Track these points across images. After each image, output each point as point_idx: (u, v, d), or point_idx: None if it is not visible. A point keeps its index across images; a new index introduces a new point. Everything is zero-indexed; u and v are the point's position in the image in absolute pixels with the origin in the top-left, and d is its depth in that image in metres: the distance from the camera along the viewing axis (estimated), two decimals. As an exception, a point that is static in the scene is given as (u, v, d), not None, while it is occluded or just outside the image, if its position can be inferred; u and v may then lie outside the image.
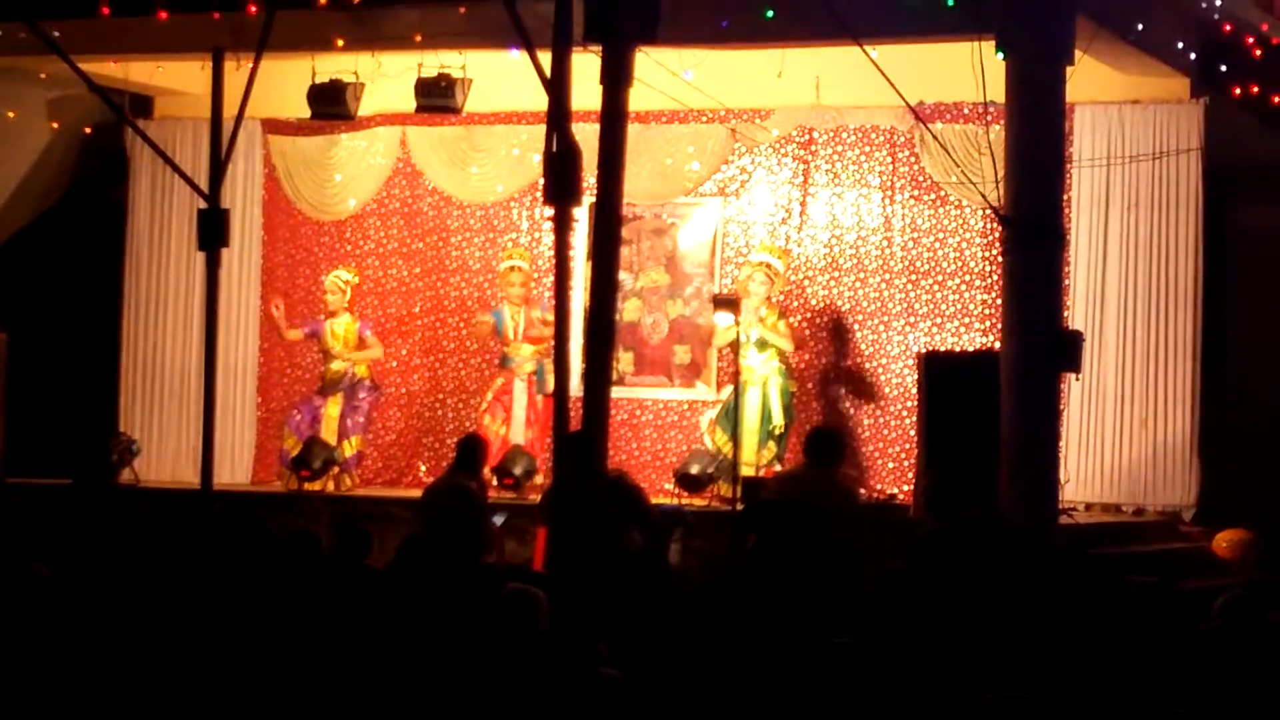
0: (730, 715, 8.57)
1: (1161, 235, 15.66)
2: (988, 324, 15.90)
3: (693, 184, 16.84)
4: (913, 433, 15.43)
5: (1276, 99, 15.50)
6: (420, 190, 17.67)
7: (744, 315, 15.09)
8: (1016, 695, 8.14)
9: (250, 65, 13.31)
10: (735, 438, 15.01)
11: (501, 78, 15.70)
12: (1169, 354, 15.65)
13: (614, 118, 10.73)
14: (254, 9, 15.04)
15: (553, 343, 11.88)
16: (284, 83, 16.10)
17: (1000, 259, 14.21)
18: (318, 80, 15.94)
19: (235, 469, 17.65)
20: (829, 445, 13.19)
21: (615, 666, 8.39)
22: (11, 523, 13.67)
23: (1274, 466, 15.57)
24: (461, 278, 17.54)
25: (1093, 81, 14.77)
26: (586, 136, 10.90)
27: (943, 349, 15.89)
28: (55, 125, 17.97)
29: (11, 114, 17.76)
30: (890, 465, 16.27)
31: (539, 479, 15.63)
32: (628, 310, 16.86)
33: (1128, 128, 15.71)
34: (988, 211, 14.49)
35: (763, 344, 15.68)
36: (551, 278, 12.22)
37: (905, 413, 16.06)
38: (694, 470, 15.54)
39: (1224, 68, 15.45)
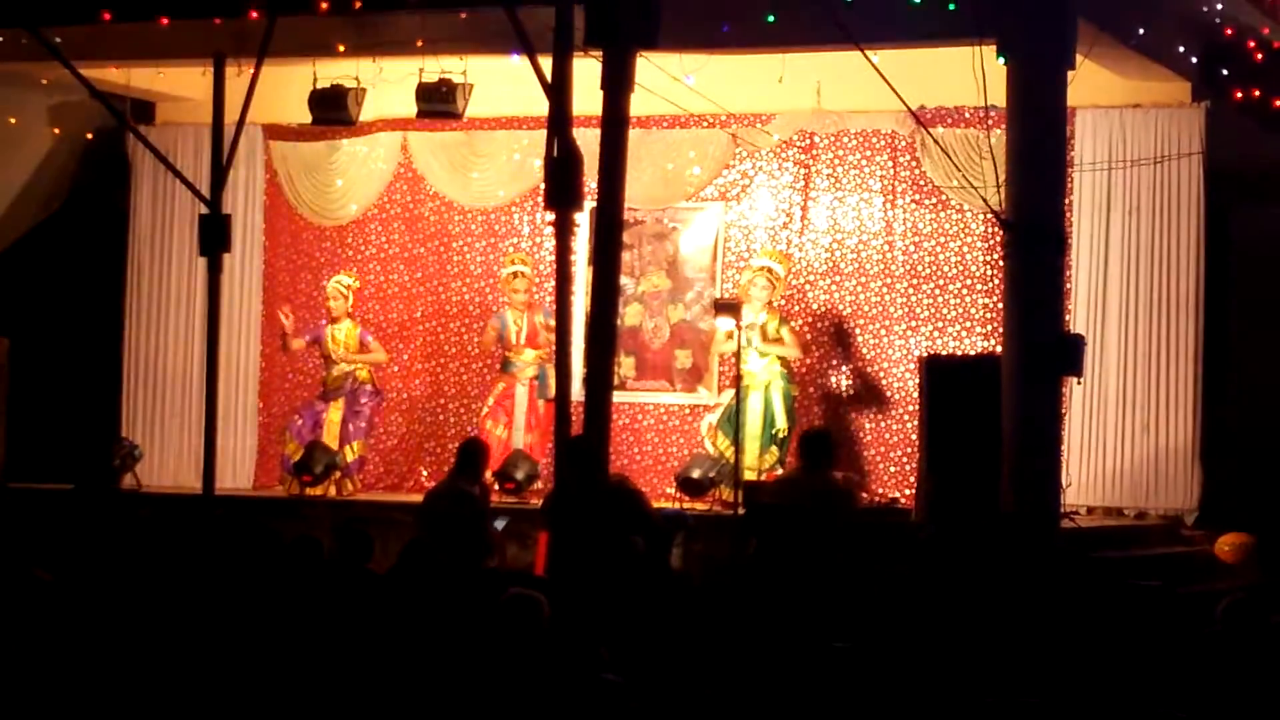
0: (731, 720, 8.58)
1: (1163, 239, 15.63)
2: (989, 328, 15.87)
3: (694, 189, 16.81)
4: (914, 437, 15.38)
5: (1278, 102, 15.49)
6: (421, 195, 17.63)
7: (745, 320, 15.07)
8: (1020, 700, 8.20)
9: (252, 71, 13.52)
10: (737, 443, 14.99)
11: (503, 83, 15.66)
12: (1170, 357, 15.62)
13: (615, 123, 10.89)
14: (255, 14, 14.93)
15: (554, 347, 11.88)
16: (285, 88, 16.10)
17: (1002, 263, 14.19)
18: (319, 85, 15.91)
19: (237, 474, 17.59)
20: (821, 446, 13.25)
21: (617, 671, 8.40)
22: (13, 528, 13.74)
23: (1277, 469, 15.48)
24: (463, 283, 17.51)
25: (1094, 85, 14.74)
26: (588, 141, 11.07)
27: (944, 353, 15.85)
28: (57, 131, 17.94)
29: (13, 120, 17.74)
30: (892, 469, 16.26)
31: (540, 484, 15.61)
32: (629, 315, 16.83)
33: (1129, 132, 15.68)
34: (989, 216, 14.42)
35: (764, 340, 15.67)
36: (553, 283, 12.32)
37: (907, 417, 16.04)
38: (695, 475, 15.52)
39: (1225, 71, 15.45)
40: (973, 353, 15.83)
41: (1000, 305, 14.42)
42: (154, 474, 17.46)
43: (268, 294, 17.85)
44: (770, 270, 15.96)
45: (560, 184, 11.00)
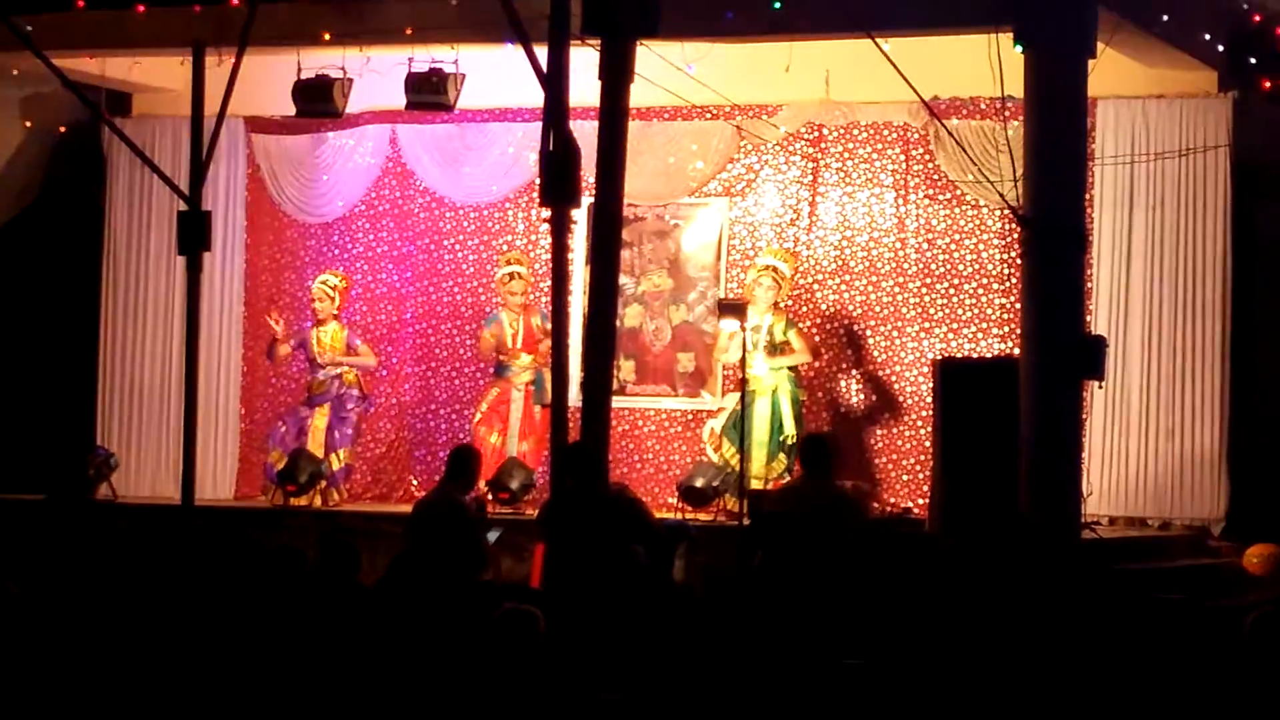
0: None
1: (1188, 236, 15.61)
2: (1006, 329, 15.85)
3: (696, 184, 16.76)
4: (928, 444, 15.30)
5: (1309, 93, 15.78)
6: (411, 191, 17.62)
7: (750, 322, 15.04)
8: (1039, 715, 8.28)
9: (232, 60, 13.48)
10: (743, 450, 14.95)
11: (496, 73, 15.62)
12: (1196, 360, 15.59)
13: (614, 114, 11.10)
14: (236, 1, 15.04)
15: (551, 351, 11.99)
16: (268, 79, 16.05)
17: (1019, 261, 14.19)
18: (303, 76, 15.82)
19: (218, 484, 17.61)
20: (822, 451, 13.27)
21: (617, 688, 8.53)
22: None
23: (1306, 478, 15.70)
24: (455, 283, 17.50)
25: (1116, 75, 14.70)
26: (585, 134, 11.24)
27: (959, 356, 15.82)
28: (28, 124, 17.94)
29: (-18, 113, 18.06)
30: (905, 478, 16.24)
31: (536, 493, 15.53)
32: (629, 316, 16.74)
33: (1152, 123, 15.67)
34: (1006, 211, 14.45)
35: (771, 351, 15.62)
36: (549, 283, 12.58)
37: (920, 423, 15.97)
38: (699, 483, 15.49)
39: (1253, 60, 15.45)
40: (989, 355, 15.79)
41: (1018, 305, 14.43)
42: (130, 484, 17.42)
43: (250, 294, 17.87)
44: (776, 269, 15.91)
45: (556, 179, 11.11)
